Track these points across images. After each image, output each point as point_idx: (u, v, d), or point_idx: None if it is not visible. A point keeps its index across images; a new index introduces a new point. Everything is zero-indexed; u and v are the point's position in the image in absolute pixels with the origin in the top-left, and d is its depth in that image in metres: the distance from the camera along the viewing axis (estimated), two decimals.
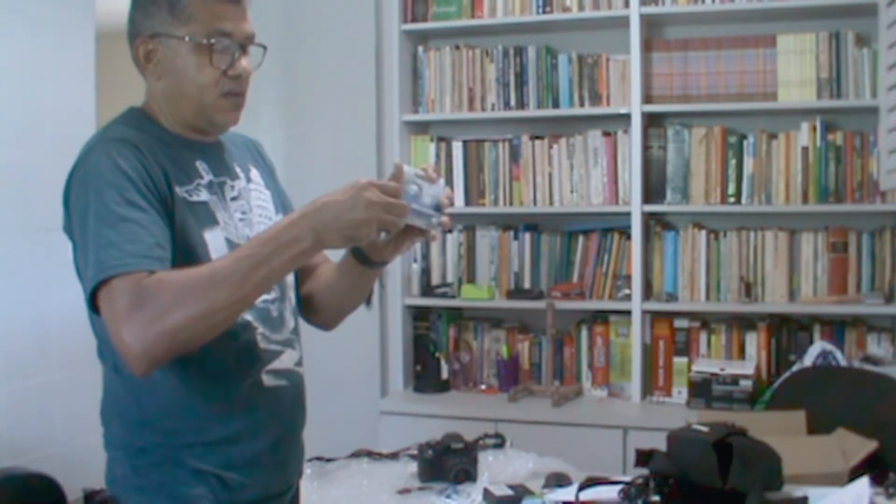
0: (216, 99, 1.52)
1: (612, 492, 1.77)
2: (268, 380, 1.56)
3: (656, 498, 1.72)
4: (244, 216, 1.59)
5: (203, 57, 1.49)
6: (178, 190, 1.48)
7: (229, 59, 1.51)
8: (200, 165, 1.55)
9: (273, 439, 1.57)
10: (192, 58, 1.49)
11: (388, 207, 1.38)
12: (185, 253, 1.45)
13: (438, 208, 1.50)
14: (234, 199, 1.59)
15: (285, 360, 1.59)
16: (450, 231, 3.57)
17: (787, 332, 3.24)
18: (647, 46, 3.32)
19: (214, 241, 1.50)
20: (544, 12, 3.40)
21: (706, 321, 3.33)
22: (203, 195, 1.52)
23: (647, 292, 3.35)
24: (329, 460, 2.28)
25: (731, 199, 3.27)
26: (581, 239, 3.45)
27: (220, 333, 1.39)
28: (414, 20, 3.56)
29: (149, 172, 1.44)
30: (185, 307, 1.32)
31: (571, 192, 3.43)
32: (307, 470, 2.11)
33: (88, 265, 1.37)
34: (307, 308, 1.75)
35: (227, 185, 1.59)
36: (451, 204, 1.53)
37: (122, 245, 1.35)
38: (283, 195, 1.76)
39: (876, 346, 3.12)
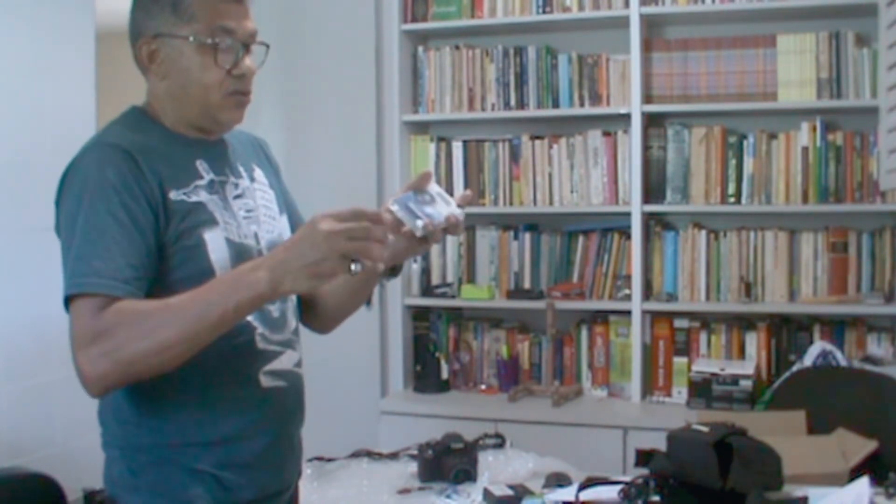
0: (221, 98, 1.52)
1: (612, 492, 1.77)
2: (266, 380, 1.55)
3: (656, 498, 1.72)
4: (249, 214, 1.58)
5: (207, 57, 1.50)
6: (174, 194, 1.47)
7: (233, 58, 1.51)
8: (201, 165, 1.55)
9: (270, 440, 1.56)
10: (197, 57, 1.50)
11: (349, 233, 1.30)
12: (185, 254, 1.46)
13: (442, 224, 1.51)
14: (237, 197, 1.58)
15: (284, 361, 1.59)
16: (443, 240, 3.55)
17: (787, 332, 3.24)
18: (647, 46, 3.32)
19: (213, 241, 1.50)
20: (544, 12, 3.40)
21: (706, 321, 3.33)
22: (201, 196, 1.52)
23: (647, 292, 3.35)
24: (329, 460, 2.28)
25: (731, 199, 3.27)
26: (581, 239, 3.45)
27: (230, 327, 1.40)
28: (414, 20, 3.56)
29: (139, 182, 1.43)
30: (138, 342, 1.34)
31: (571, 192, 3.43)
32: (307, 470, 2.11)
33: (65, 273, 1.41)
34: (308, 312, 1.75)
35: (229, 183, 1.58)
36: (457, 224, 1.54)
37: (94, 262, 1.38)
38: (287, 195, 1.76)
39: (876, 346, 3.12)
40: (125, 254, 1.40)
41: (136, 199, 1.43)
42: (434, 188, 1.49)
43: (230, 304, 1.34)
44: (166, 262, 1.45)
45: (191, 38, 1.49)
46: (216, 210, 1.53)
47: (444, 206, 1.51)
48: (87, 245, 1.39)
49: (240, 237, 1.54)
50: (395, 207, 1.50)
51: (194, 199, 1.50)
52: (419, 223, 1.49)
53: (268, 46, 1.60)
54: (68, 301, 1.39)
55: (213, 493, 1.51)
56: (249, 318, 1.52)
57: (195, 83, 1.51)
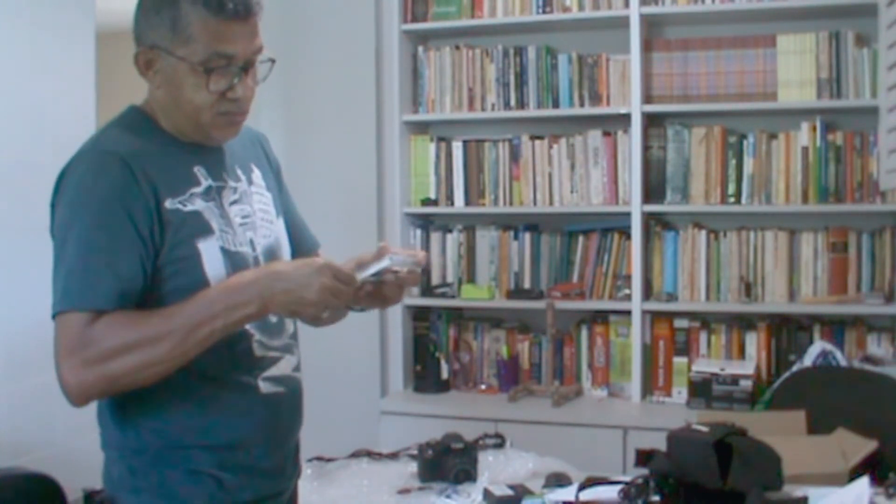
0: (213, 118, 1.50)
1: (612, 492, 1.77)
2: (265, 387, 1.55)
3: (656, 498, 1.72)
4: (246, 220, 1.58)
5: (200, 79, 1.46)
6: (169, 203, 1.46)
7: (227, 83, 1.48)
8: (199, 171, 1.54)
9: (269, 445, 1.57)
10: (190, 78, 1.46)
11: (336, 293, 1.44)
12: (179, 265, 1.46)
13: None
14: (234, 202, 1.57)
15: (283, 366, 1.59)
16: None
17: (787, 332, 3.24)
18: (647, 46, 3.32)
19: (208, 250, 1.49)
20: (544, 12, 3.40)
21: (706, 321, 3.33)
22: (197, 204, 1.50)
23: (647, 292, 3.34)
24: (329, 460, 2.28)
25: (731, 199, 3.27)
26: (581, 239, 3.45)
27: (217, 341, 1.43)
28: (414, 20, 3.56)
29: (133, 193, 1.43)
30: (127, 357, 1.37)
31: (571, 192, 3.43)
32: (307, 470, 2.11)
33: (56, 285, 1.42)
34: None
35: (226, 189, 1.57)
36: (420, 264, 1.61)
37: (85, 277, 1.39)
38: (286, 196, 1.75)
39: (876, 346, 3.12)
40: (117, 269, 1.40)
41: (130, 212, 1.42)
42: (397, 260, 1.57)
43: (217, 323, 1.40)
44: (160, 272, 1.45)
45: (184, 61, 1.45)
46: (212, 218, 1.51)
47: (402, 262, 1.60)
48: (79, 260, 1.40)
49: (235, 245, 1.53)
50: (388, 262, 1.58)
51: (190, 207, 1.49)
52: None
53: (273, 61, 1.55)
54: (56, 313, 1.41)
55: (212, 494, 1.51)
56: (247, 325, 1.52)
57: (187, 102, 1.48)
